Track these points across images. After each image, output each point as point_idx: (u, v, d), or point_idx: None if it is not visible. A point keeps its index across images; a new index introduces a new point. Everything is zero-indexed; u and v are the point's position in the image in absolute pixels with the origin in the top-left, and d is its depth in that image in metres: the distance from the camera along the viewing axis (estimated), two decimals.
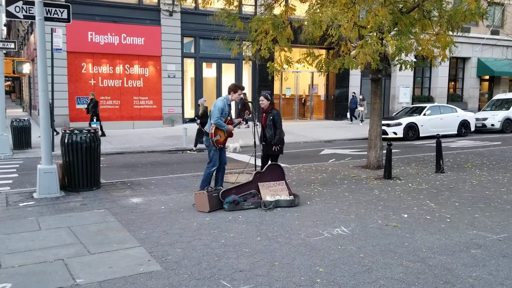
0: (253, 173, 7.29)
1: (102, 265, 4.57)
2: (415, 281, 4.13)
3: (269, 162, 7.59)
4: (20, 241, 5.31)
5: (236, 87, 7.50)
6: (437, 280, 4.16)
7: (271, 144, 7.77)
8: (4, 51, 14.47)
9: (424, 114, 18.17)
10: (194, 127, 15.11)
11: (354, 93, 23.92)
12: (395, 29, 9.10)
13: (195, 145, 14.64)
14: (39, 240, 5.37)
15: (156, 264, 4.58)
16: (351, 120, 23.61)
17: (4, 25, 36.98)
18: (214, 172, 7.60)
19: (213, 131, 7.22)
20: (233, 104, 8.18)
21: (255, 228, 5.77)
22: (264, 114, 7.94)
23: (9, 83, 53.12)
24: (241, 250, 4.97)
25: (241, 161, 11.80)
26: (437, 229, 5.73)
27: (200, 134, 14.31)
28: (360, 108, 23.30)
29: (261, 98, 7.93)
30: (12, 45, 14.23)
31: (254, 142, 7.89)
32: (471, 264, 4.56)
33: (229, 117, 7.53)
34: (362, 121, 23.16)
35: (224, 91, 21.81)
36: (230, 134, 7.54)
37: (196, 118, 14.88)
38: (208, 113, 14.34)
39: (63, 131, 8.08)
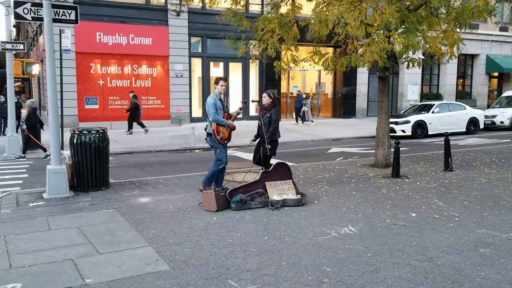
0: (260, 172, 7.30)
1: (110, 265, 4.61)
2: (423, 281, 4.11)
3: (275, 162, 7.59)
4: (30, 241, 5.37)
5: (218, 79, 7.53)
6: (445, 279, 4.15)
7: (263, 141, 7.81)
8: (14, 52, 14.59)
9: (433, 112, 18.05)
10: (202, 126, 15.11)
11: (299, 91, 22.53)
12: (402, 26, 9.06)
13: (24, 152, 13.23)
14: (49, 240, 5.43)
15: (164, 263, 4.61)
16: (297, 121, 21.80)
17: (13, 27, 37.26)
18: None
19: (214, 129, 7.23)
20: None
21: (262, 228, 5.78)
22: (264, 111, 7.99)
23: (18, 83, 53.54)
24: (248, 249, 4.99)
25: (248, 160, 11.80)
26: (446, 228, 5.71)
27: (29, 140, 13.09)
28: (304, 108, 21.63)
29: (264, 94, 8.04)
30: (21, 47, 14.35)
31: (264, 141, 7.90)
32: (480, 263, 4.53)
33: (226, 112, 7.53)
34: (307, 120, 21.55)
35: (232, 90, 22.03)
36: (232, 128, 7.54)
37: (22, 122, 13.80)
38: (30, 117, 13.14)
39: (71, 132, 8.14)
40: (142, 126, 18.24)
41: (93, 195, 7.76)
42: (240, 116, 7.82)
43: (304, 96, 22.04)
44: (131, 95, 18.29)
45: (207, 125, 7.54)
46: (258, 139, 8.15)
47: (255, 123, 8.94)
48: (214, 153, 7.56)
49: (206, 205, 6.70)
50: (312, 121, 21.81)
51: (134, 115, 18.18)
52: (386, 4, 8.27)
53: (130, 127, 18.15)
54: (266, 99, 7.94)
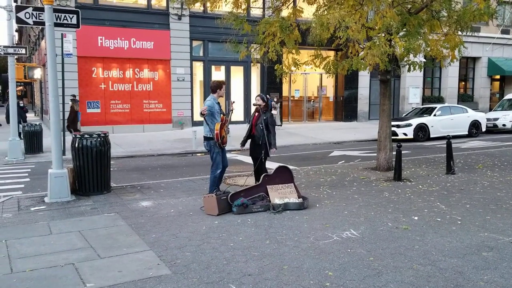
0: (262, 176, 7.28)
1: (112, 269, 4.60)
2: (425, 285, 4.09)
3: (277, 165, 7.58)
4: (31, 246, 5.36)
5: (221, 83, 7.56)
6: (448, 283, 4.13)
7: (259, 145, 7.78)
8: (16, 57, 14.63)
9: (435, 115, 18.03)
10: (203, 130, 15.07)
11: (269, 94, 21.78)
12: (403, 30, 9.06)
13: None
14: (50, 244, 5.42)
15: (165, 268, 4.60)
16: None
17: (16, 31, 37.40)
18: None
19: (218, 132, 7.22)
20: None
21: (264, 231, 5.76)
22: (256, 114, 7.98)
23: (21, 88, 53.72)
24: (250, 253, 4.97)
25: (249, 164, 11.78)
26: (448, 231, 5.68)
27: None
28: (273, 112, 21.40)
29: (257, 97, 8.02)
30: (23, 51, 14.38)
31: (265, 143, 7.89)
32: (483, 267, 4.51)
33: (223, 114, 7.53)
34: (277, 124, 21.10)
35: (233, 93, 22.03)
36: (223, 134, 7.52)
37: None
38: None
39: (73, 136, 8.15)
40: (75, 130, 16.97)
41: (95, 199, 7.75)
42: (231, 118, 7.82)
43: (275, 100, 21.83)
44: (70, 99, 17.23)
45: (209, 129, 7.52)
46: (248, 141, 8.13)
47: None
48: (211, 158, 7.54)
49: (208, 209, 6.69)
50: (280, 125, 21.03)
51: (69, 119, 17.15)
52: (387, 8, 8.27)
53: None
54: (259, 102, 7.93)
